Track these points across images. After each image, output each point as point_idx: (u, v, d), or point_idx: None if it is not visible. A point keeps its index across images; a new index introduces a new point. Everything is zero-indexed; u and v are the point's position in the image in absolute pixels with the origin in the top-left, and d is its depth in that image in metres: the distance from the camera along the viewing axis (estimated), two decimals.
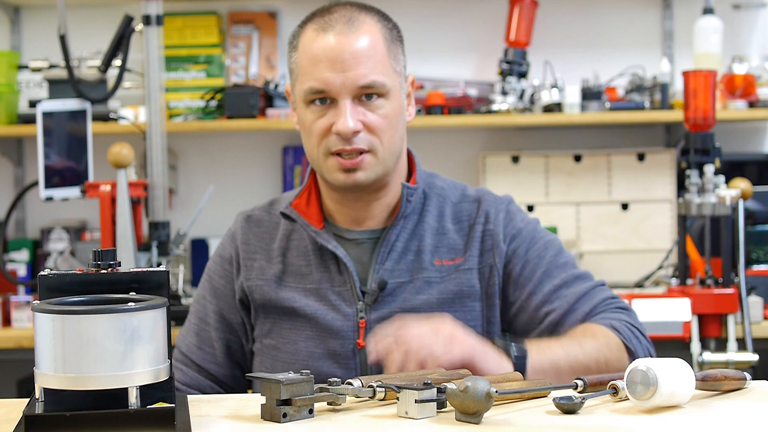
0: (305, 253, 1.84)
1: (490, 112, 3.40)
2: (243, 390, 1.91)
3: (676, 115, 3.33)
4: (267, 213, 1.92)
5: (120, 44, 2.99)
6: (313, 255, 1.83)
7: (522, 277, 1.82)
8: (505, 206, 1.87)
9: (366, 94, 1.74)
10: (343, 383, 1.40)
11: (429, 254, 1.81)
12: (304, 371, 1.35)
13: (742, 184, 2.91)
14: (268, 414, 1.32)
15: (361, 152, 1.75)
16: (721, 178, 2.90)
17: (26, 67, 3.32)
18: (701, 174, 2.90)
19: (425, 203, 1.85)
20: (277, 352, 1.83)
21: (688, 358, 2.76)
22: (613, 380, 1.43)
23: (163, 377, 1.26)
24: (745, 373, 1.52)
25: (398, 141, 1.79)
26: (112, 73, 3.09)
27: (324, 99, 1.75)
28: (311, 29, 1.77)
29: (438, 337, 1.53)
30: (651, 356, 1.76)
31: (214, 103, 3.44)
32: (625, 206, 3.53)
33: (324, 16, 1.77)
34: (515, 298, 1.82)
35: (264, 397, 1.33)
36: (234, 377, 1.90)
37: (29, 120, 3.28)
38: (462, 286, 1.80)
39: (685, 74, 2.97)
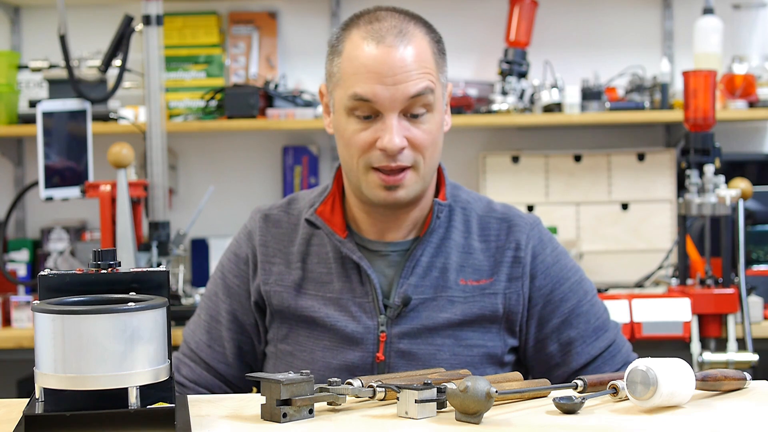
0: (326, 260, 1.80)
1: (490, 112, 3.40)
2: (251, 390, 1.90)
3: (676, 115, 3.34)
4: (286, 213, 1.87)
5: (120, 44, 2.99)
6: (335, 263, 1.79)
7: (542, 318, 1.81)
8: (537, 234, 1.84)
9: (412, 114, 1.69)
10: (355, 379, 1.40)
11: (454, 273, 1.78)
12: (304, 371, 1.35)
13: (742, 184, 2.91)
14: (268, 414, 1.32)
15: (403, 169, 1.71)
16: (721, 178, 2.90)
17: (26, 67, 3.32)
18: (701, 174, 2.90)
19: (451, 217, 1.82)
20: (293, 359, 1.80)
21: (688, 358, 2.76)
22: (613, 380, 1.43)
23: (163, 377, 1.26)
24: (745, 373, 1.52)
25: (438, 156, 1.76)
26: (112, 73, 3.09)
27: (368, 114, 1.70)
28: (359, 36, 1.71)
29: None
30: None
31: (214, 103, 3.44)
32: (625, 206, 3.53)
33: (373, 23, 1.71)
34: (532, 335, 1.82)
35: (264, 397, 1.33)
36: (243, 378, 1.88)
37: (29, 120, 3.28)
38: (485, 310, 1.78)
39: (685, 74, 2.97)
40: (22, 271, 3.48)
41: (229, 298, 1.87)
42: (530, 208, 3.51)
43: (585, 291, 1.85)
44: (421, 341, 1.76)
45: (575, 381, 1.44)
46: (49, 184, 2.91)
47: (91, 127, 2.99)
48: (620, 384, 1.41)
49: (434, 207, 1.79)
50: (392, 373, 1.73)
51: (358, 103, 1.69)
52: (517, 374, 1.56)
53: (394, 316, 1.76)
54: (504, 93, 3.42)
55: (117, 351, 1.21)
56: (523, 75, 3.45)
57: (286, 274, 1.81)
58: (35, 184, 2.96)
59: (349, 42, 1.72)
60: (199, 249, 3.59)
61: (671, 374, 1.35)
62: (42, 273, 1.32)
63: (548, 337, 1.81)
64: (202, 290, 3.24)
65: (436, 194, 1.84)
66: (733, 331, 2.84)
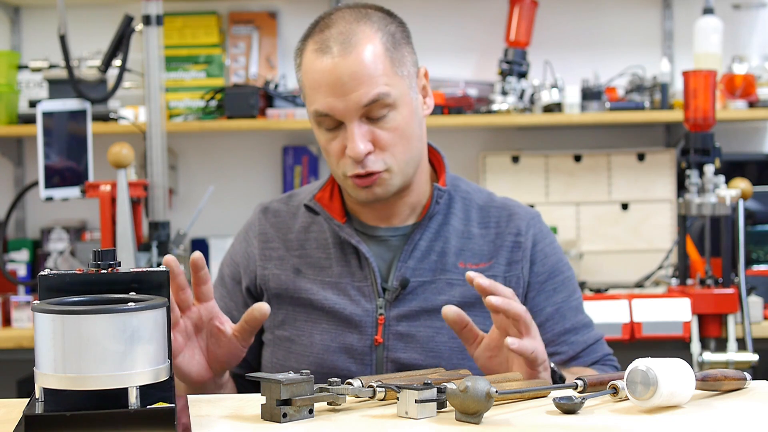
0: (325, 245, 1.82)
1: (490, 112, 3.40)
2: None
3: (676, 115, 3.34)
4: (285, 204, 1.91)
5: (120, 44, 2.99)
6: (334, 248, 1.81)
7: (535, 306, 1.83)
8: (537, 224, 1.87)
9: (373, 115, 1.70)
10: (355, 379, 1.41)
11: (453, 256, 1.80)
12: (304, 371, 1.35)
13: (742, 184, 2.91)
14: (268, 414, 1.32)
15: (375, 173, 1.73)
16: (721, 178, 2.90)
17: (26, 67, 3.32)
18: (701, 174, 2.90)
19: (451, 204, 1.84)
20: (291, 344, 1.81)
21: (688, 358, 2.76)
22: (613, 380, 1.43)
23: (163, 377, 1.26)
24: (745, 373, 1.52)
25: (415, 145, 1.76)
26: (112, 73, 3.09)
27: (332, 126, 1.72)
28: (310, 49, 1.72)
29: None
30: None
31: (214, 103, 3.44)
32: (625, 206, 3.53)
33: (323, 32, 1.72)
34: None
35: (264, 397, 1.33)
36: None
37: (29, 120, 3.28)
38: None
39: (685, 74, 2.97)
40: (22, 271, 3.48)
41: (226, 294, 1.91)
42: None
43: (575, 288, 1.89)
44: (419, 323, 1.77)
45: (575, 381, 1.44)
46: (49, 184, 2.91)
47: (91, 127, 2.98)
48: (620, 384, 1.41)
49: (434, 192, 1.81)
50: (391, 354, 1.76)
51: (321, 118, 1.73)
52: (517, 374, 1.56)
53: (392, 298, 1.78)
54: (504, 93, 3.42)
55: (117, 351, 1.21)
56: (523, 75, 3.45)
57: (285, 259, 1.84)
58: (35, 184, 2.96)
59: (305, 54, 1.74)
60: (199, 249, 3.59)
61: (671, 374, 1.35)
62: (42, 273, 1.32)
63: (542, 325, 1.82)
64: None
65: (437, 180, 1.86)
66: (733, 331, 2.84)
